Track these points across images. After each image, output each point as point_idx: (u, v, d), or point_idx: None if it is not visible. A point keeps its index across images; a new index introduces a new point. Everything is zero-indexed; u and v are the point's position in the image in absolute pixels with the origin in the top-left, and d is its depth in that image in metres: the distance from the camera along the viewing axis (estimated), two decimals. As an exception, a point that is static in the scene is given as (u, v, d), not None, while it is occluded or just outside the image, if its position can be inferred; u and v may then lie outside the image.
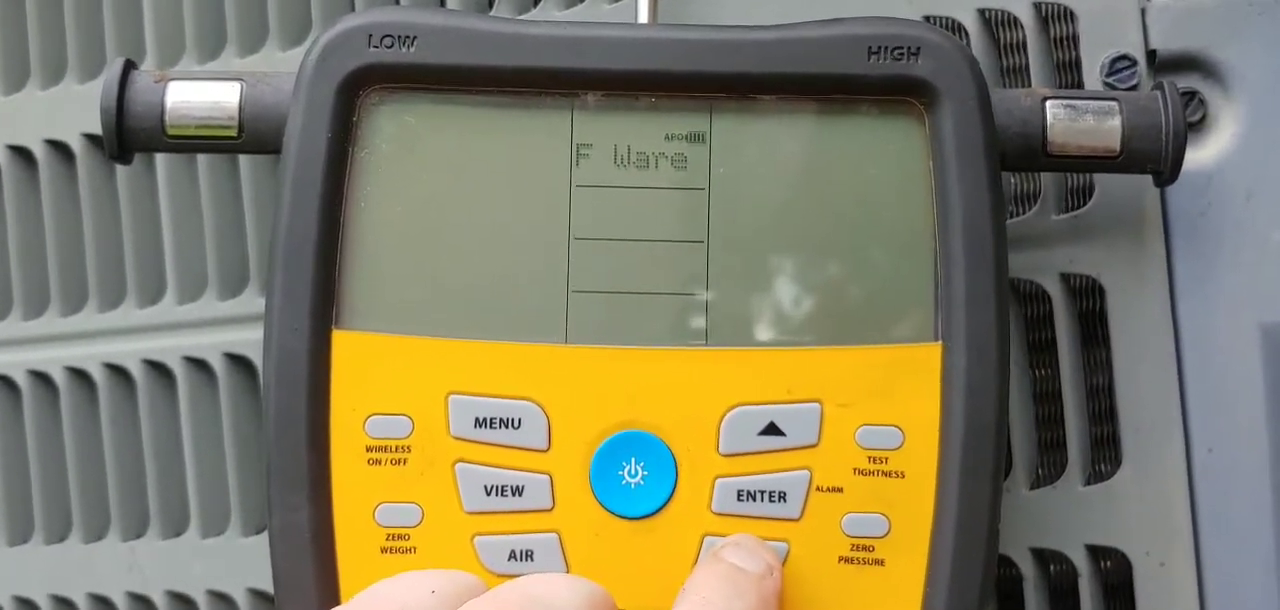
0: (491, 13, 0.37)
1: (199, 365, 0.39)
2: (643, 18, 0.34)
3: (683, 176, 0.30)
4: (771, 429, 0.30)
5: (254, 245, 0.39)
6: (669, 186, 0.30)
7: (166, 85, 0.31)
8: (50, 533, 0.41)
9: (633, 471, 0.29)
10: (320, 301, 0.29)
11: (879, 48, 0.30)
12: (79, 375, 0.41)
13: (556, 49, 0.30)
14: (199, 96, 0.31)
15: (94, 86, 0.40)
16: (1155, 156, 0.31)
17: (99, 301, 0.40)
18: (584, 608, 0.25)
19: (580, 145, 0.30)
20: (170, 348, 0.39)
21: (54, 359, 0.41)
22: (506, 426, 0.29)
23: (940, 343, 0.30)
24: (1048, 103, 0.31)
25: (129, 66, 0.31)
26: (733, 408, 0.30)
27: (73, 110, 0.40)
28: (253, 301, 0.39)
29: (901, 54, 0.30)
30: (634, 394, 0.30)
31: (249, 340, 0.39)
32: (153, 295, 0.40)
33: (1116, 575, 0.35)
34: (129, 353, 0.40)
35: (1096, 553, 0.34)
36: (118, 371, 0.40)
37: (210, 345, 0.39)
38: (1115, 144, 0.31)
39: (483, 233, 0.30)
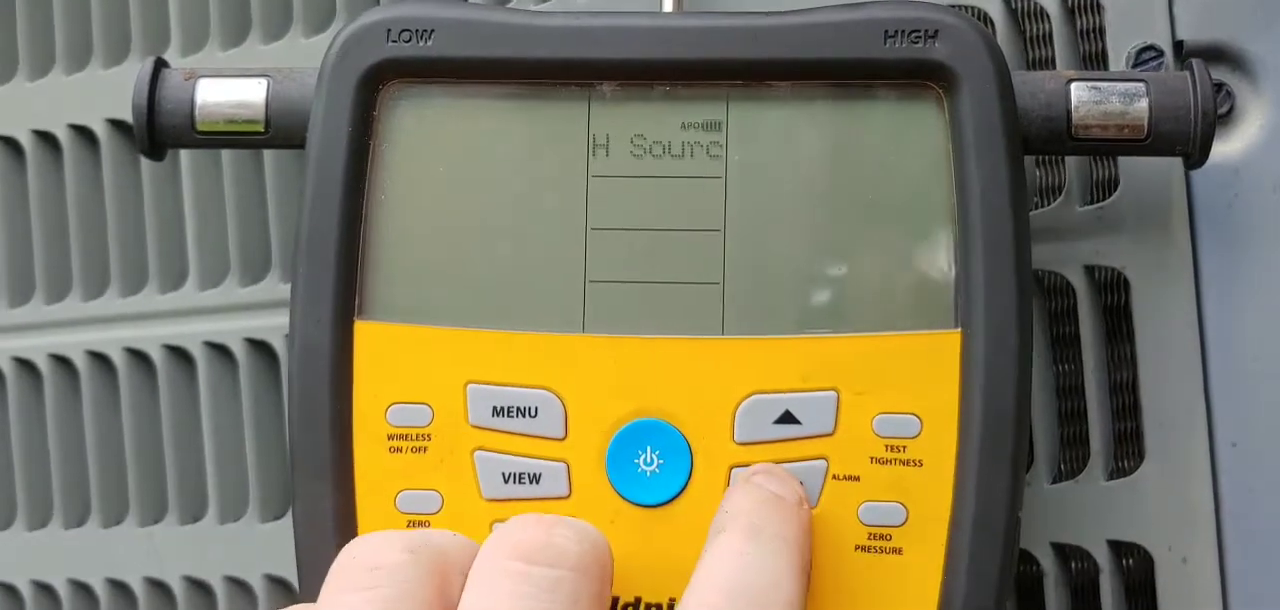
0: (510, 3, 0.40)
1: (219, 350, 0.42)
2: (667, 6, 0.36)
3: (699, 165, 0.32)
4: (787, 417, 0.32)
5: (276, 231, 0.41)
6: (685, 175, 0.32)
7: (196, 83, 0.33)
8: (69, 517, 0.44)
9: (648, 460, 0.32)
10: (342, 293, 0.32)
11: (896, 31, 0.31)
12: (100, 359, 0.43)
13: (571, 40, 0.32)
14: (227, 94, 0.33)
15: (118, 72, 0.43)
16: (1184, 138, 0.32)
17: (121, 286, 0.43)
18: (588, 550, 0.28)
19: (596, 136, 0.32)
20: (191, 333, 0.42)
21: (75, 343, 0.43)
22: (524, 415, 0.32)
23: (959, 330, 0.31)
24: (1073, 84, 0.32)
25: (159, 65, 0.34)
26: (748, 396, 0.32)
27: (98, 96, 0.43)
28: (274, 287, 0.41)
29: (919, 37, 0.32)
30: (650, 383, 0.32)
31: (270, 326, 0.41)
32: (175, 280, 0.43)
33: (1139, 573, 0.37)
34: (150, 338, 0.43)
35: (1118, 548, 0.36)
36: (138, 356, 0.43)
37: (231, 330, 0.42)
38: (1143, 125, 0.32)
39: (501, 224, 0.32)
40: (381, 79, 0.32)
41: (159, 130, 0.33)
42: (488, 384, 0.32)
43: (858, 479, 0.31)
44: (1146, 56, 0.36)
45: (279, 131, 0.33)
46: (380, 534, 0.29)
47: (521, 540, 0.27)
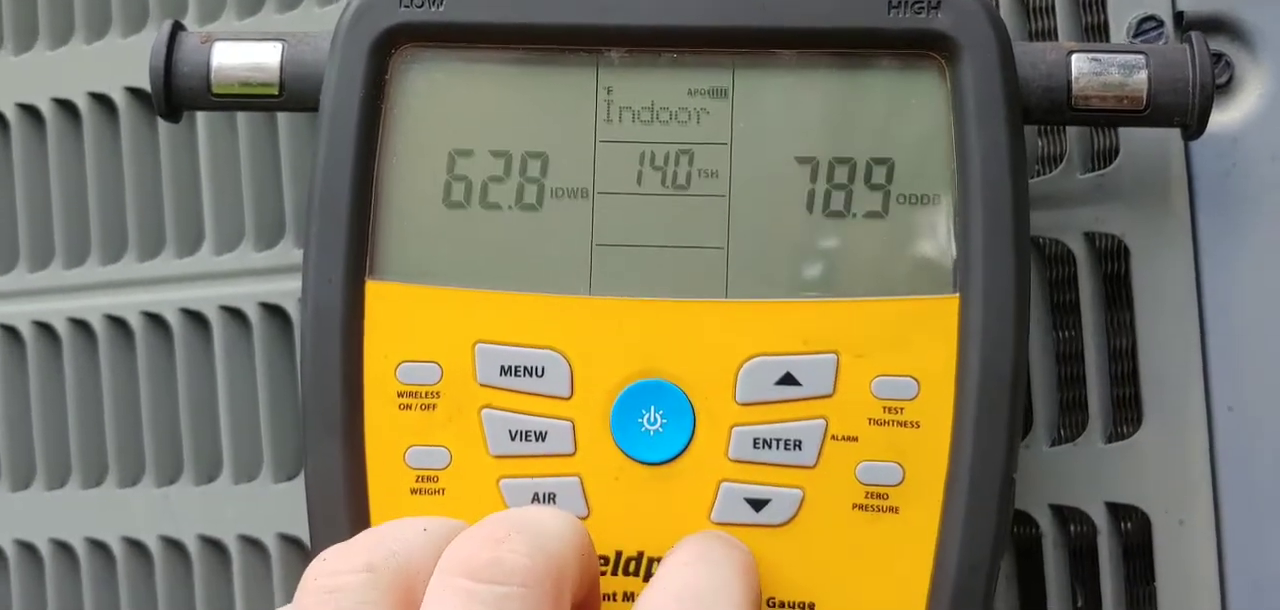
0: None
1: (234, 314, 0.43)
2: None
3: (705, 131, 0.33)
4: (788, 379, 0.32)
5: (290, 197, 0.42)
6: (691, 141, 0.33)
7: (212, 46, 0.34)
8: (87, 477, 0.45)
9: (652, 419, 0.33)
10: (354, 253, 0.33)
11: (899, 1, 0.32)
12: (117, 323, 0.44)
13: (580, 6, 0.33)
14: (242, 57, 0.34)
15: (137, 41, 0.44)
16: (1182, 109, 0.33)
17: (138, 251, 0.44)
18: (568, 529, 0.29)
19: (604, 101, 0.33)
20: (207, 297, 0.43)
21: (93, 307, 0.44)
22: (530, 374, 0.33)
23: (957, 295, 0.32)
24: (1073, 56, 0.33)
25: (176, 28, 0.35)
26: (750, 358, 0.32)
27: (116, 64, 0.44)
28: (288, 252, 0.42)
29: (921, 7, 0.32)
30: (654, 344, 0.33)
31: (283, 290, 0.42)
32: (191, 246, 0.44)
33: (1136, 535, 0.38)
34: (166, 301, 0.44)
35: (1116, 511, 0.37)
36: (155, 319, 0.44)
37: (246, 295, 0.43)
38: (1142, 97, 0.33)
39: (509, 187, 0.33)
40: (394, 43, 0.33)
41: (175, 92, 0.34)
42: (496, 344, 0.33)
43: (856, 439, 0.32)
44: (1147, 27, 0.36)
45: (293, 95, 0.34)
46: (345, 546, 0.29)
47: (469, 557, 0.28)
